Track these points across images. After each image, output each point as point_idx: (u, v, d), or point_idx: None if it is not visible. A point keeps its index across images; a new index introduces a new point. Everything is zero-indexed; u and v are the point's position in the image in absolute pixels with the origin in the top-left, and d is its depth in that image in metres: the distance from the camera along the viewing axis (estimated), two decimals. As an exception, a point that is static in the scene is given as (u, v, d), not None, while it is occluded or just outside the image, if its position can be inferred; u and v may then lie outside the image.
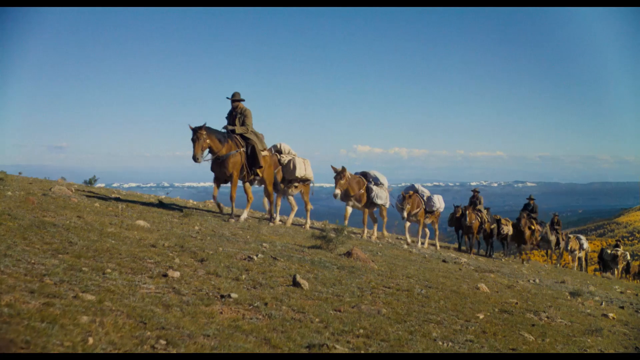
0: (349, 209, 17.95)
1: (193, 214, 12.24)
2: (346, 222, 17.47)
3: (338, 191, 16.93)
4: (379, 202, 18.27)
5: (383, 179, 18.81)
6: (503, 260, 24.73)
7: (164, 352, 3.60)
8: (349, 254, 9.79)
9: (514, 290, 10.78)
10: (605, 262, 34.70)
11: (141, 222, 8.72)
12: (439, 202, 21.38)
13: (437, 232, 22.49)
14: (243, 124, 14.32)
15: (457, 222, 25.36)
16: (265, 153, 14.71)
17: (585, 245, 32.57)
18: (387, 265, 10.18)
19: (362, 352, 4.59)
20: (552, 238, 29.78)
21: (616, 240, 47.23)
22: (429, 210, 20.99)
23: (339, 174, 17.08)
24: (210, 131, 13.16)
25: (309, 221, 17.20)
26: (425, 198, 21.06)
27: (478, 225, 24.51)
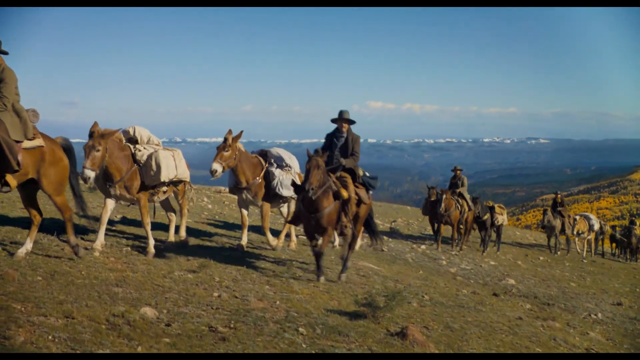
0: (245, 212, 13.21)
1: (209, 265, 10.22)
2: (245, 232, 13.19)
3: (217, 166, 11.80)
4: (284, 193, 13.07)
5: (292, 160, 13.69)
6: (498, 253, 22.26)
7: None
8: (403, 334, 7.88)
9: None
10: (634, 245, 29.85)
11: (147, 311, 6.85)
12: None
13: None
14: None
15: (431, 210, 21.13)
16: (32, 143, 8.74)
17: (596, 225, 28.39)
18: (446, 339, 8.36)
19: None
20: (557, 223, 25.65)
21: (631, 216, 42.73)
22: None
23: (225, 142, 12.14)
24: None
25: (184, 233, 12.47)
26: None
27: (458, 215, 20.31)
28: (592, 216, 29.10)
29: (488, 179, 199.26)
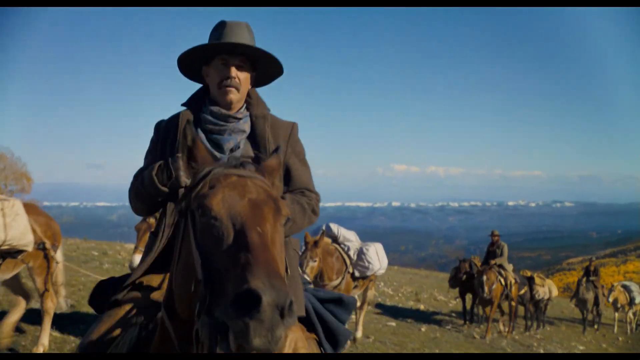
0: None
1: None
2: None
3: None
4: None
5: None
6: (534, 333, 18.71)
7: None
8: None
9: None
10: None
11: None
12: (378, 259, 10.91)
13: (365, 310, 12.25)
14: None
15: (463, 284, 17.82)
16: None
17: (638, 298, 23.05)
18: None
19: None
20: (589, 296, 21.42)
21: None
22: (362, 275, 10.81)
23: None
24: None
25: (46, 339, 7.47)
26: (351, 252, 10.92)
27: (501, 291, 16.49)
28: (635, 287, 23.93)
29: (513, 243, 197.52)
